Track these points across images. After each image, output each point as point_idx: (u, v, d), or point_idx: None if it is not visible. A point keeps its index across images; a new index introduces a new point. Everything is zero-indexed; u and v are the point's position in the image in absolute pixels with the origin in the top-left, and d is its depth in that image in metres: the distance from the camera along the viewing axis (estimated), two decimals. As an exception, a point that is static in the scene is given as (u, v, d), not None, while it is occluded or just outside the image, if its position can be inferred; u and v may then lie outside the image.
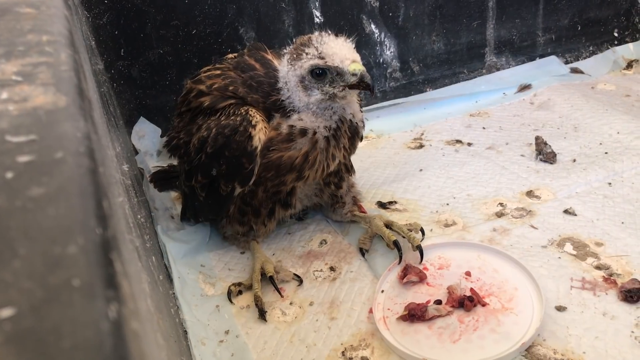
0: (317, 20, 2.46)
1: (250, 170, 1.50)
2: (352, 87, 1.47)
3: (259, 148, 1.48)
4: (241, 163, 1.49)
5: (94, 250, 0.42)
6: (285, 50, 1.55)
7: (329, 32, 1.48)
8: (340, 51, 1.44)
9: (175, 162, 1.80)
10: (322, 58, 1.44)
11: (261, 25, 2.38)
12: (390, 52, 2.67)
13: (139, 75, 2.30)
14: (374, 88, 1.51)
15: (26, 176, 0.49)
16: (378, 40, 2.61)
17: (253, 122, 1.48)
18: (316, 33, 1.49)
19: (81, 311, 0.37)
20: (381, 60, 2.67)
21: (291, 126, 1.51)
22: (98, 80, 1.60)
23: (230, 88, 1.57)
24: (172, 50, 2.30)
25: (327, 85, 1.47)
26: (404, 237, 1.66)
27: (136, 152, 2.28)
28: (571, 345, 1.33)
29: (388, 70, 2.70)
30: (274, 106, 1.53)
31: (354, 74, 1.45)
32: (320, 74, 1.45)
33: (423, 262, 1.61)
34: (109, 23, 2.18)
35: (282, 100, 1.52)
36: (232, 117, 1.50)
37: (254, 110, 1.51)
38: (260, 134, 1.48)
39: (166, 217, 1.94)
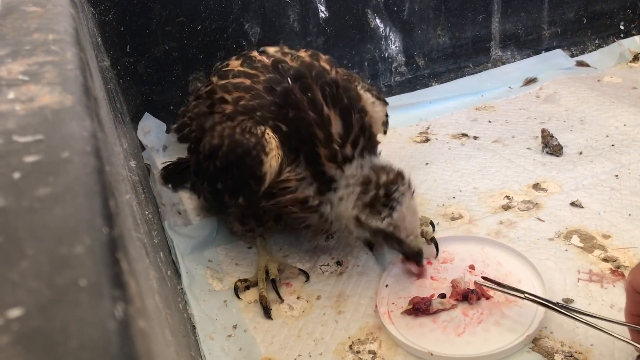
0: (322, 15, 2.45)
1: (257, 191, 1.46)
2: (400, 252, 1.49)
3: (268, 173, 1.43)
4: (248, 183, 1.45)
5: (100, 250, 0.43)
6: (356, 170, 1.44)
7: (410, 185, 1.43)
8: (409, 225, 1.42)
9: (180, 154, 1.79)
10: (391, 227, 1.40)
11: (266, 20, 2.38)
12: (396, 47, 2.66)
13: (144, 71, 2.30)
14: (420, 263, 1.51)
15: (33, 176, 0.50)
16: (383, 34, 2.61)
17: (267, 150, 1.41)
18: (404, 184, 1.41)
19: (88, 311, 0.37)
20: (386, 55, 2.66)
21: (320, 203, 1.48)
22: (105, 77, 1.61)
23: (258, 114, 1.46)
24: (177, 46, 2.30)
25: (380, 239, 1.47)
26: None
27: (142, 148, 2.28)
28: (579, 338, 1.34)
29: (393, 65, 2.69)
30: (316, 172, 1.46)
31: (411, 249, 1.46)
32: (381, 233, 1.44)
33: (427, 256, 1.61)
34: (115, 19, 2.18)
35: (331, 182, 1.46)
36: (247, 136, 1.42)
37: (270, 134, 1.43)
38: (272, 160, 1.42)
39: (173, 212, 1.95)
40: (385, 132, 1.73)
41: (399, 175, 1.43)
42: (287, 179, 1.46)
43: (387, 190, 1.40)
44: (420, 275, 1.55)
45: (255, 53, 1.66)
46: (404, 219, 1.41)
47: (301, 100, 1.45)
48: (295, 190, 1.48)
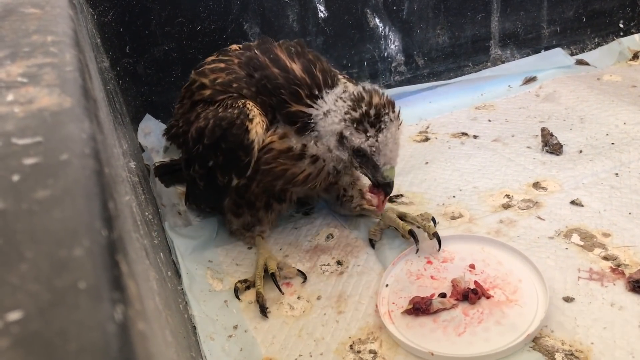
0: (321, 14, 2.45)
1: (247, 162, 1.50)
2: (372, 179, 1.49)
3: (255, 141, 1.48)
4: (238, 156, 1.50)
5: (99, 253, 0.42)
6: (347, 89, 1.48)
7: (397, 114, 1.44)
8: (389, 152, 1.42)
9: (176, 156, 1.81)
10: (373, 148, 1.41)
11: (265, 20, 2.38)
12: (395, 46, 2.66)
13: (144, 72, 2.30)
14: (387, 196, 1.52)
15: (32, 179, 0.50)
16: (382, 34, 2.61)
17: (250, 116, 1.48)
18: (394, 112, 1.43)
19: (87, 314, 0.37)
20: (386, 54, 2.66)
21: (304, 145, 1.50)
22: (104, 78, 1.61)
23: (234, 85, 1.56)
24: (177, 47, 2.30)
25: (357, 161, 1.47)
26: (418, 227, 1.67)
27: (142, 149, 2.28)
28: (579, 336, 1.34)
29: (393, 64, 2.69)
30: (288, 118, 1.50)
31: (384, 178, 1.46)
32: (360, 153, 1.44)
33: (427, 255, 1.62)
34: (114, 20, 2.18)
35: (305, 118, 1.49)
36: (229, 110, 1.50)
37: (251, 104, 1.50)
38: (257, 127, 1.48)
39: (173, 213, 1.95)
40: None
41: (391, 102, 1.45)
42: (270, 141, 1.51)
43: (378, 111, 1.41)
44: (379, 207, 1.56)
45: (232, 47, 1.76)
46: (387, 145, 1.41)
47: (264, 61, 1.56)
48: (280, 146, 1.52)
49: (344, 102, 1.44)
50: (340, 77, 1.64)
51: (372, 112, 1.40)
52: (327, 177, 1.59)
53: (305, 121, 1.49)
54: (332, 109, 1.45)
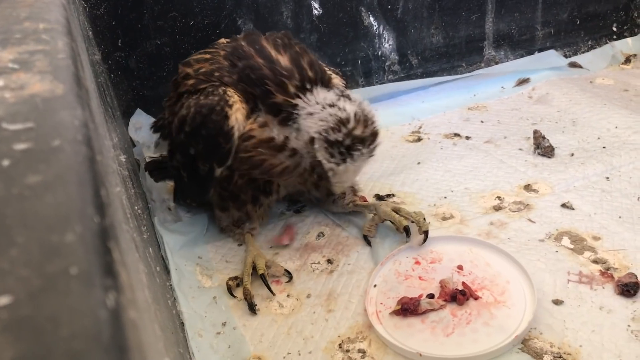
0: (315, 12, 2.45)
1: (228, 149, 1.50)
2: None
3: (235, 127, 1.48)
4: (218, 143, 1.49)
5: (91, 239, 0.42)
6: (337, 96, 1.45)
7: (372, 149, 1.43)
8: (346, 178, 1.48)
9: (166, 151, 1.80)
10: (332, 172, 1.44)
11: (259, 16, 2.37)
12: (389, 45, 2.66)
13: (136, 66, 2.29)
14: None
15: (23, 164, 0.49)
16: (376, 33, 2.61)
17: (230, 102, 1.48)
18: (369, 148, 1.42)
19: (79, 299, 0.36)
20: (379, 53, 2.66)
21: (287, 138, 1.49)
22: (95, 70, 1.59)
23: (216, 74, 1.56)
24: (169, 41, 2.29)
25: (315, 165, 1.50)
26: (412, 222, 1.67)
27: (134, 144, 2.27)
28: (568, 339, 1.33)
29: (386, 64, 2.69)
30: (272, 108, 1.48)
31: (334, 191, 1.61)
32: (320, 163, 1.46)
33: (415, 256, 1.62)
34: (106, 13, 2.17)
35: (289, 108, 1.47)
36: (210, 97, 1.50)
37: (231, 91, 1.50)
38: (237, 114, 1.47)
39: (163, 208, 1.94)
40: None
41: (373, 135, 1.43)
42: (251, 129, 1.51)
43: (352, 144, 1.39)
44: None
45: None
46: (346, 172, 1.43)
47: (249, 51, 1.56)
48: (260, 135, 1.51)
49: (330, 116, 1.41)
50: (327, 70, 1.64)
51: (346, 142, 1.38)
52: (304, 173, 1.59)
53: (290, 111, 1.46)
54: (318, 115, 1.42)
